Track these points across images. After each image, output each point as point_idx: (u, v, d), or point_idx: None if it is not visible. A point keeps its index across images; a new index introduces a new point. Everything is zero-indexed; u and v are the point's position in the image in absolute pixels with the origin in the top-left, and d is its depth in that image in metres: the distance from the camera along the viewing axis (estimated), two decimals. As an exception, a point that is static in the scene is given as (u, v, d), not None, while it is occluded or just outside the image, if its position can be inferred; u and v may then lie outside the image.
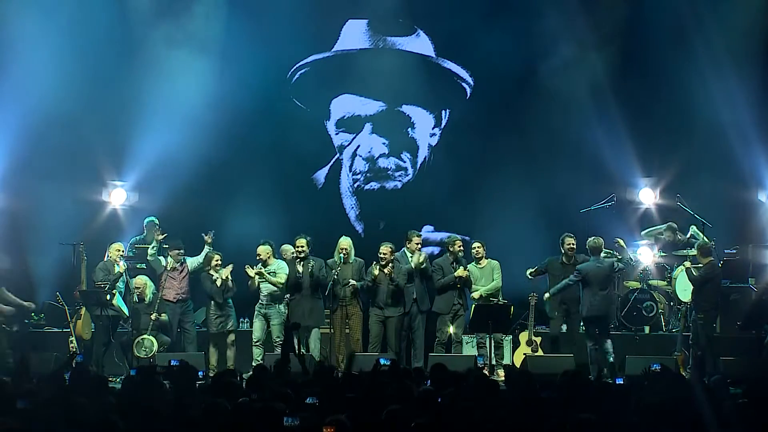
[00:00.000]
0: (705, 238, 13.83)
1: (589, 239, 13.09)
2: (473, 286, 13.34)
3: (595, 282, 12.78)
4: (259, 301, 13.24)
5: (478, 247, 13.46)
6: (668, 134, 15.16)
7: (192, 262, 13.53)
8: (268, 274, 13.12)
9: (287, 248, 13.63)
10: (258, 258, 13.19)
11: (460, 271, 13.12)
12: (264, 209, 14.77)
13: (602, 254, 13.11)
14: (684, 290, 13.43)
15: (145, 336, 13.04)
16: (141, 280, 13.43)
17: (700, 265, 13.01)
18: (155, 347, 12.97)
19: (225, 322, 13.35)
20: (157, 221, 14.31)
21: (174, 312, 13.46)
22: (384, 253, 13.09)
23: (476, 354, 12.93)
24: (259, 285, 13.19)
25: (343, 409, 6.62)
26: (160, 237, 13.49)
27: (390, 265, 13.06)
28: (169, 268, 13.46)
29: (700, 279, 12.76)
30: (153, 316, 13.13)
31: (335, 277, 13.04)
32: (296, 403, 6.94)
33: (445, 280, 13.21)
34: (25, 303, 13.43)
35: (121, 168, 15.21)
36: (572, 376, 7.98)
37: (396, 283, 13.05)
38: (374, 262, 13.16)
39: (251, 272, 13.10)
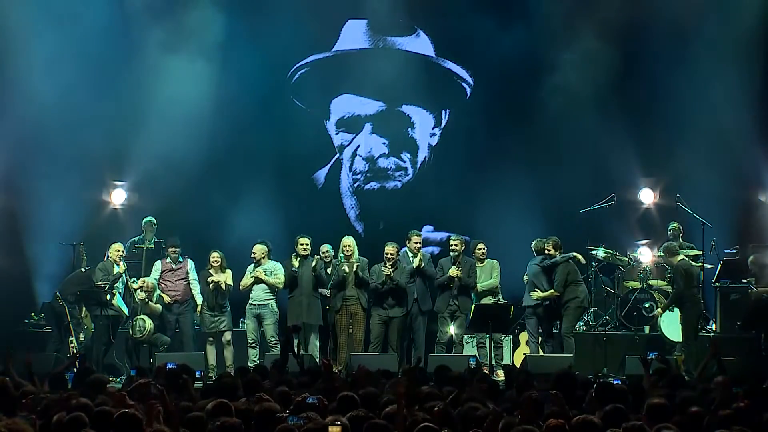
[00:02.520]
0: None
1: (534, 241, 13.35)
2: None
3: (532, 279, 13.13)
4: (250, 301, 13.24)
5: (484, 248, 13.48)
6: (668, 134, 15.14)
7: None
8: (265, 273, 13.15)
9: (325, 248, 13.56)
10: (252, 256, 13.22)
11: (453, 271, 13.12)
12: (264, 209, 14.76)
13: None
14: (672, 330, 13.48)
15: (137, 317, 13.00)
16: (149, 282, 13.40)
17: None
18: (148, 325, 12.92)
19: (217, 322, 13.31)
20: (155, 221, 14.31)
21: (171, 313, 13.46)
22: (391, 253, 13.11)
23: (476, 354, 12.95)
24: (252, 286, 13.22)
25: (343, 409, 6.62)
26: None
27: (392, 265, 13.10)
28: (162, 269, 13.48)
29: (682, 288, 12.82)
30: (141, 296, 13.10)
31: (338, 276, 13.07)
32: (296, 403, 6.93)
33: (440, 279, 13.23)
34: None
35: (121, 168, 15.19)
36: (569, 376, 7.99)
37: (396, 283, 13.07)
38: (383, 263, 13.15)
39: (248, 280, 13.14)
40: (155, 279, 13.44)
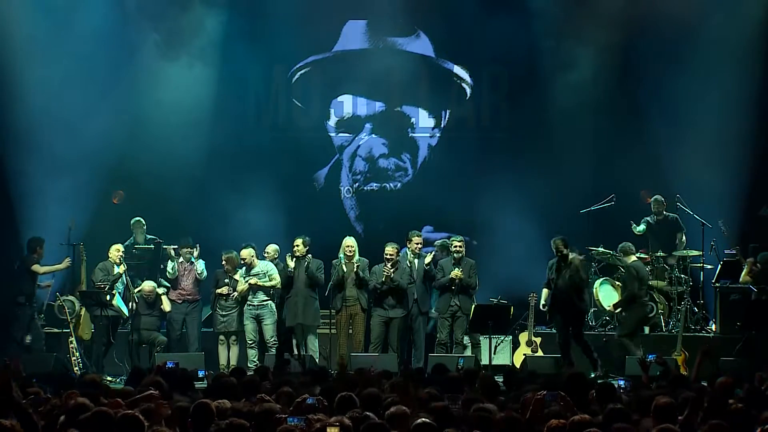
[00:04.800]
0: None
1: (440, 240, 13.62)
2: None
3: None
4: (249, 302, 13.27)
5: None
6: (669, 133, 15.13)
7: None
8: (258, 277, 13.19)
9: (271, 248, 13.62)
10: (243, 262, 13.26)
11: (455, 272, 13.12)
12: (264, 210, 14.76)
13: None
14: (605, 297, 13.76)
15: (65, 298, 13.26)
16: (149, 285, 13.41)
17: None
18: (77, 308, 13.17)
19: (227, 323, 13.38)
20: (143, 221, 14.34)
21: (179, 311, 13.51)
22: (390, 254, 13.11)
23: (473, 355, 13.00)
24: (249, 288, 13.26)
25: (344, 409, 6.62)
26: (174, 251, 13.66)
27: (392, 266, 13.11)
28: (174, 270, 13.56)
29: (635, 289, 12.91)
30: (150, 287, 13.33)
31: (339, 276, 13.10)
32: (296, 404, 6.93)
33: (442, 281, 13.23)
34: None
35: (121, 168, 15.15)
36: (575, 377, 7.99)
37: (397, 284, 13.08)
38: (384, 264, 13.16)
39: (243, 286, 13.19)
40: (169, 274, 13.57)
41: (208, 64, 15.18)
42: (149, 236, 14.38)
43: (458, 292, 13.15)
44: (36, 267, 13.32)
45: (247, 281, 13.23)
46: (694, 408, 6.59)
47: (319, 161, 16.15)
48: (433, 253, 13.52)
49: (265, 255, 13.48)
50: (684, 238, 14.46)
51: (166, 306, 13.46)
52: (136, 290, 13.40)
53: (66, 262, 13.55)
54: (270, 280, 13.29)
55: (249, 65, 15.40)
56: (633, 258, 13.15)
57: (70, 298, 13.57)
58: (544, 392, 6.66)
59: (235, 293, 13.31)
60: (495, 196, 14.98)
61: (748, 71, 14.75)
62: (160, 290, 13.48)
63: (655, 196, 14.58)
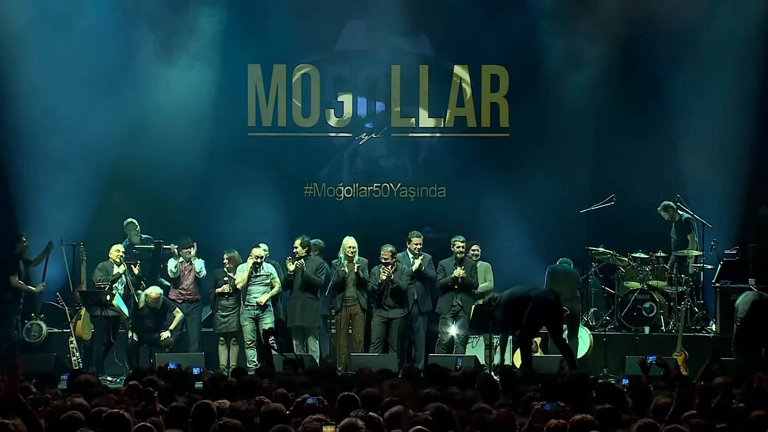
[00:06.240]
0: None
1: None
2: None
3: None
4: (247, 303, 13.28)
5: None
6: (669, 134, 15.14)
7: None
8: (261, 278, 13.26)
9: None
10: (259, 260, 13.25)
11: (458, 272, 13.13)
12: (264, 209, 14.76)
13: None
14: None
15: (33, 321, 13.30)
16: (155, 292, 13.38)
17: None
18: (44, 331, 13.28)
19: (227, 323, 13.40)
20: (136, 222, 14.34)
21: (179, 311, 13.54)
22: (385, 257, 13.12)
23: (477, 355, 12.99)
24: (246, 288, 13.27)
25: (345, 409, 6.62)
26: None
27: (390, 267, 13.11)
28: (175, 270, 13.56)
29: None
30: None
31: (338, 277, 13.10)
32: (297, 404, 6.93)
33: (444, 280, 13.24)
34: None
35: (121, 168, 15.16)
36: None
37: (396, 285, 13.08)
38: (380, 266, 13.17)
39: (242, 275, 13.20)
40: (172, 273, 13.62)
41: (207, 64, 15.19)
42: (144, 236, 14.40)
43: (460, 292, 13.17)
44: (12, 279, 13.34)
45: (265, 296, 13.23)
46: (679, 404, 6.58)
47: (319, 161, 16.14)
48: (421, 258, 13.45)
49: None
50: (696, 238, 14.46)
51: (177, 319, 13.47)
52: (145, 292, 13.39)
53: (40, 286, 13.54)
54: (272, 288, 13.31)
55: (248, 65, 15.39)
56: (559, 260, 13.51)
57: (39, 322, 13.52)
58: (544, 403, 6.64)
59: (235, 283, 13.27)
60: (495, 196, 14.96)
61: (749, 71, 14.75)
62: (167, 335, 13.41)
63: (662, 203, 14.52)
